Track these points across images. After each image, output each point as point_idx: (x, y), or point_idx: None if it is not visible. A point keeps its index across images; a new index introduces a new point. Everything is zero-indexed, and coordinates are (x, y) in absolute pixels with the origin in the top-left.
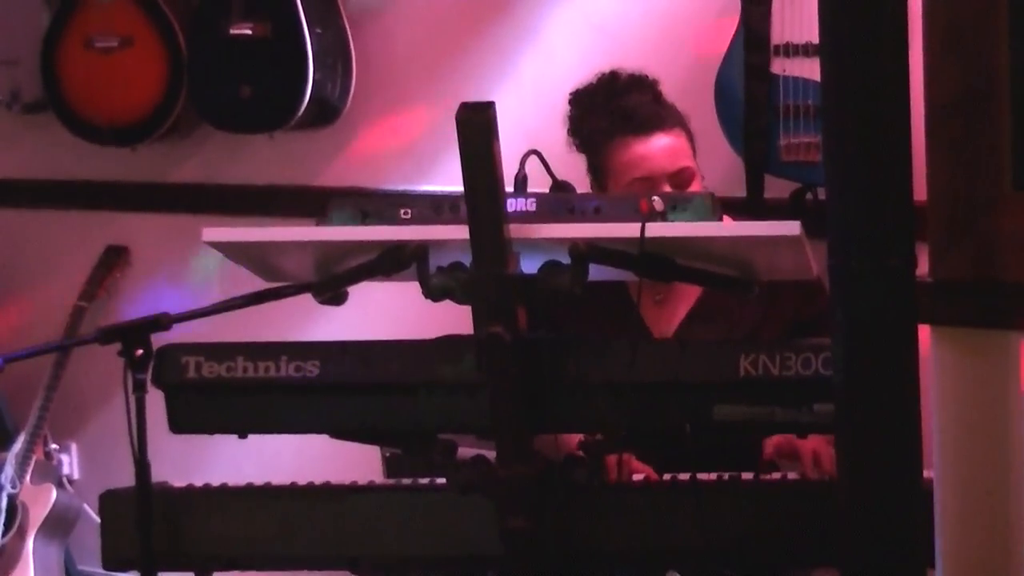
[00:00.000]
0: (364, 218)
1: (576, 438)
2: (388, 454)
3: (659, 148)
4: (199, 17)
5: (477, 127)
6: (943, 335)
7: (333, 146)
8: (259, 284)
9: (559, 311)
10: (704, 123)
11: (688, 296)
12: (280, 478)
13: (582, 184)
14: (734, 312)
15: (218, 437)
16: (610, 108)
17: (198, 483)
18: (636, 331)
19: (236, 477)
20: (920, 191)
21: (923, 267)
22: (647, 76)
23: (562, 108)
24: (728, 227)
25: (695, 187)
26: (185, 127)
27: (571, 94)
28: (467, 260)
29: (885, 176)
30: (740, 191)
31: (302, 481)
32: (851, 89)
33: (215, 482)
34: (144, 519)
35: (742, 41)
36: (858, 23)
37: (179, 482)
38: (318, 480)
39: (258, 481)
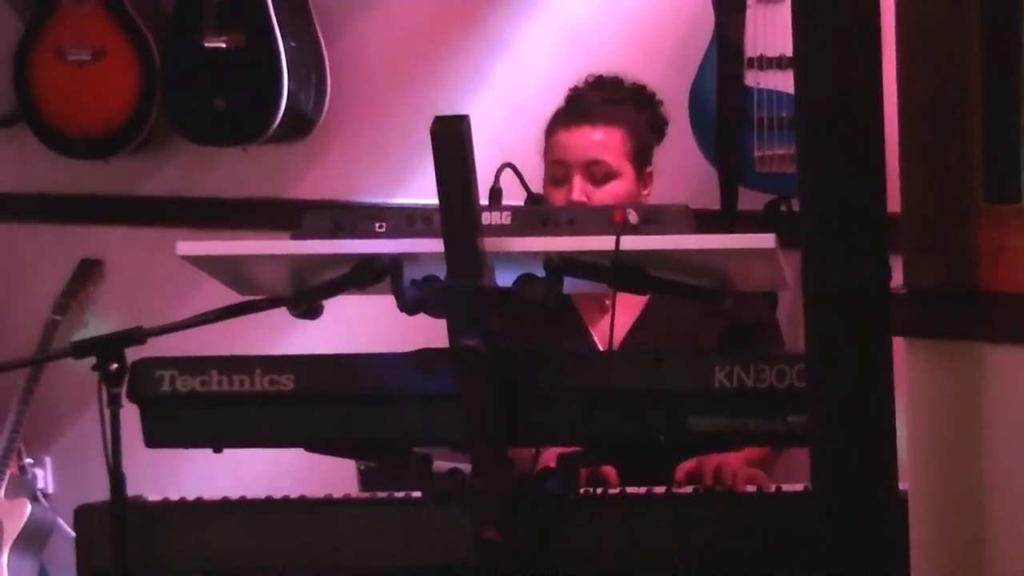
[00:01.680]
0: (338, 231)
1: (554, 451)
2: (363, 467)
3: (578, 138)
4: (172, 29)
5: (451, 140)
6: (916, 346)
7: (307, 158)
8: (234, 298)
9: (504, 320)
10: (678, 134)
11: (633, 305)
12: (255, 492)
13: None
14: (675, 320)
15: (192, 451)
16: (564, 102)
17: (173, 497)
18: (580, 340)
19: (211, 491)
20: (893, 202)
21: (897, 278)
22: (623, 80)
23: (536, 119)
24: (703, 239)
25: (619, 187)
26: (159, 139)
27: None
28: (442, 273)
29: (858, 188)
30: (714, 203)
31: (277, 495)
32: (824, 101)
33: (190, 496)
34: (119, 533)
35: (716, 53)
36: (830, 34)
37: (154, 496)
38: (293, 494)
39: (233, 495)
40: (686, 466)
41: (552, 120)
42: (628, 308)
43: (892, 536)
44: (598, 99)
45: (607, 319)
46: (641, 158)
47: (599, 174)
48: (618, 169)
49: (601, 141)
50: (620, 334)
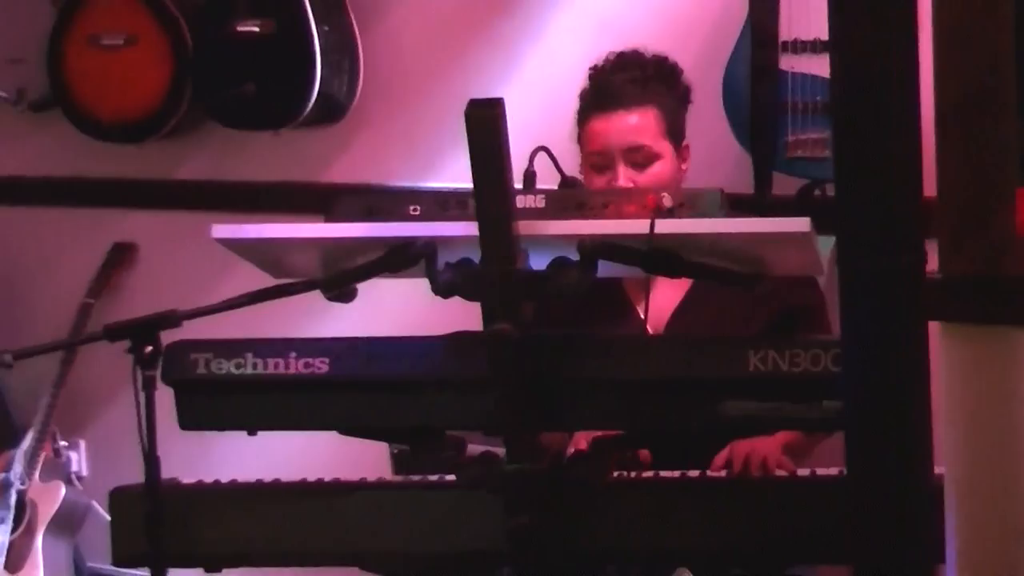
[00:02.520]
0: (372, 214)
1: (583, 435)
2: (396, 451)
3: (615, 124)
4: (205, 14)
5: (486, 123)
6: (952, 332)
7: (339, 143)
8: (265, 281)
9: (552, 303)
10: (711, 119)
11: (679, 286)
12: (288, 475)
13: None
14: (724, 300)
15: (225, 434)
16: (591, 86)
17: (206, 480)
18: (628, 322)
19: (243, 475)
20: (929, 187)
21: (933, 264)
22: (644, 54)
23: (568, 105)
24: (738, 224)
25: (662, 168)
26: (191, 124)
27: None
28: (476, 257)
29: (895, 173)
30: (748, 187)
31: (310, 478)
32: (861, 85)
33: (222, 480)
34: (154, 516)
35: (749, 37)
36: (868, 18)
37: (187, 479)
38: (326, 477)
39: (266, 478)
40: (722, 454)
41: (583, 107)
42: (674, 290)
43: (927, 522)
44: (626, 80)
45: (653, 300)
46: (676, 133)
47: (640, 158)
48: (658, 150)
49: (637, 125)
50: (666, 315)
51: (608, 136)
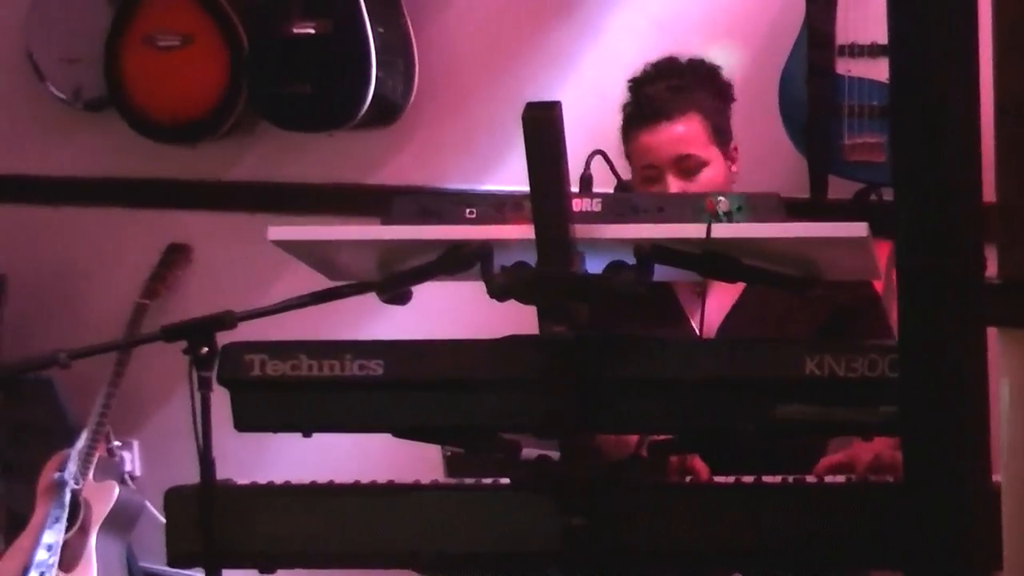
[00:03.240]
0: (428, 217)
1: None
2: (448, 453)
3: (660, 137)
4: (260, 15)
5: (543, 126)
6: (1009, 336)
7: (394, 145)
8: (319, 283)
9: (605, 308)
10: (767, 122)
11: (732, 290)
12: (341, 477)
13: None
14: (777, 304)
15: (276, 436)
16: (632, 99)
17: (260, 481)
18: (681, 327)
19: (296, 476)
20: (988, 192)
21: (991, 269)
22: (680, 60)
23: None
24: (795, 228)
25: (712, 175)
26: (246, 125)
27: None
28: (531, 260)
29: (953, 176)
30: (803, 191)
31: (364, 480)
32: (919, 87)
33: (276, 480)
34: (208, 516)
35: (806, 41)
36: (926, 20)
37: (241, 480)
38: (378, 478)
39: (320, 480)
40: (832, 460)
41: (627, 121)
42: (726, 294)
43: (984, 529)
44: (665, 90)
45: (705, 303)
46: (722, 136)
47: (689, 167)
48: (706, 157)
49: (683, 134)
50: (718, 320)
51: (654, 150)
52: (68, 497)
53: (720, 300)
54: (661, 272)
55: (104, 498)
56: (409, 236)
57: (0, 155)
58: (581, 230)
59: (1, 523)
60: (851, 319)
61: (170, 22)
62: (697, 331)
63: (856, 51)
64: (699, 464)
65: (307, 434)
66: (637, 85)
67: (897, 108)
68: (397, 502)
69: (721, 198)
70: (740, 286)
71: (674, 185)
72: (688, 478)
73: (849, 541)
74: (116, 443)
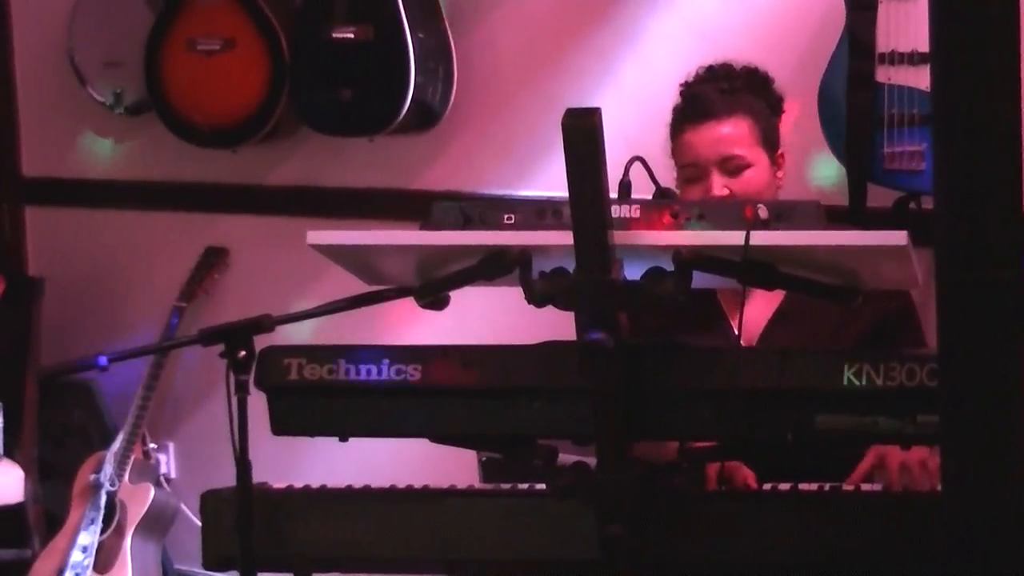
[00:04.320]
0: (467, 222)
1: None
2: (484, 458)
3: (707, 135)
4: (301, 20)
5: (583, 133)
6: None
7: (433, 150)
8: (356, 287)
9: (645, 313)
10: (807, 130)
11: (773, 298)
12: (377, 481)
13: None
14: (817, 312)
15: (311, 440)
16: (682, 99)
17: (296, 485)
18: (721, 333)
19: (332, 480)
20: None
21: None
22: (734, 66)
23: (663, 114)
24: (834, 236)
25: (756, 176)
26: (285, 129)
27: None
28: (570, 266)
29: (994, 187)
30: (843, 199)
31: (400, 484)
32: (961, 99)
33: (313, 484)
34: (245, 519)
35: (846, 49)
36: (969, 31)
37: (278, 484)
38: (415, 483)
39: (356, 484)
40: (864, 466)
41: (675, 120)
42: (769, 301)
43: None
44: (716, 91)
45: (747, 311)
46: (770, 141)
47: (734, 167)
48: (752, 159)
49: (730, 135)
50: (760, 327)
51: (700, 147)
52: (104, 499)
53: (761, 308)
54: (700, 279)
55: (140, 500)
56: (449, 242)
57: (41, 158)
58: (620, 236)
59: (38, 524)
60: (891, 327)
61: (212, 26)
62: (738, 338)
63: (896, 59)
64: (747, 472)
65: (344, 439)
66: (688, 87)
67: (938, 118)
68: (433, 507)
69: (761, 205)
70: (782, 294)
71: (717, 183)
72: (736, 486)
73: (890, 551)
74: (152, 445)
